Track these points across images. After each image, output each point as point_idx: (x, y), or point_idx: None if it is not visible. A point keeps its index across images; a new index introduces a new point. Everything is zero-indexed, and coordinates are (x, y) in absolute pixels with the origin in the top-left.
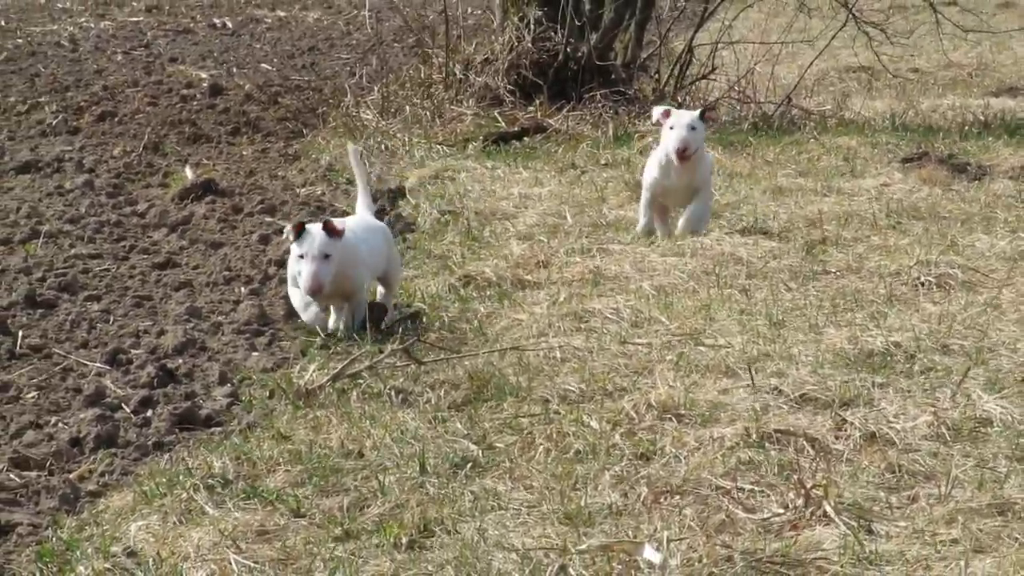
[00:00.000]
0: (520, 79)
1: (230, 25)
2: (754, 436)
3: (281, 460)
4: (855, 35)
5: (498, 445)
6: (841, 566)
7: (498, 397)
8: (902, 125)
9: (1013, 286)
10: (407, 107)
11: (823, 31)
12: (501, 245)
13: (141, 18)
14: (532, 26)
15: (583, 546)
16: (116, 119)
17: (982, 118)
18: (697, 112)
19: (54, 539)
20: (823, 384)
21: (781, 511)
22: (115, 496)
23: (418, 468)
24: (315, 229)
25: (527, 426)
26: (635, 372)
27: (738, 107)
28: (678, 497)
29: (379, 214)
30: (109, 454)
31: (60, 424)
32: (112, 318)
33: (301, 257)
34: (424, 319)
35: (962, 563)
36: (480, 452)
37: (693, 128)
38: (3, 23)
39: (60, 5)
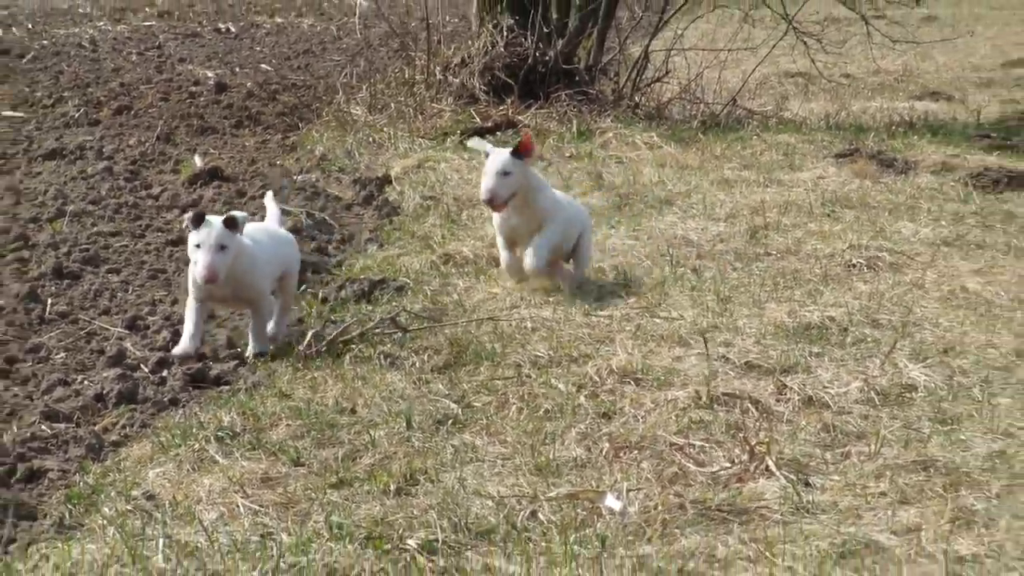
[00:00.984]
0: (493, 80)
1: (233, 29)
2: (704, 399)
3: (282, 415)
4: (794, 44)
5: (476, 404)
6: (781, 515)
7: (476, 361)
8: (835, 124)
9: (935, 268)
10: (392, 104)
11: (765, 40)
12: (477, 228)
13: (154, 23)
14: (504, 32)
15: (552, 494)
16: (132, 113)
17: (907, 119)
18: (508, 151)
19: (81, 483)
20: (765, 353)
21: (728, 465)
22: (135, 446)
23: (404, 424)
24: (214, 220)
25: (501, 387)
26: (598, 341)
27: (688, 107)
28: (636, 452)
29: (367, 200)
30: (129, 409)
31: (86, 382)
32: (131, 288)
33: (197, 247)
34: (409, 292)
35: (889, 512)
36: (460, 410)
37: (505, 173)
38: (30, 26)
39: (81, 10)
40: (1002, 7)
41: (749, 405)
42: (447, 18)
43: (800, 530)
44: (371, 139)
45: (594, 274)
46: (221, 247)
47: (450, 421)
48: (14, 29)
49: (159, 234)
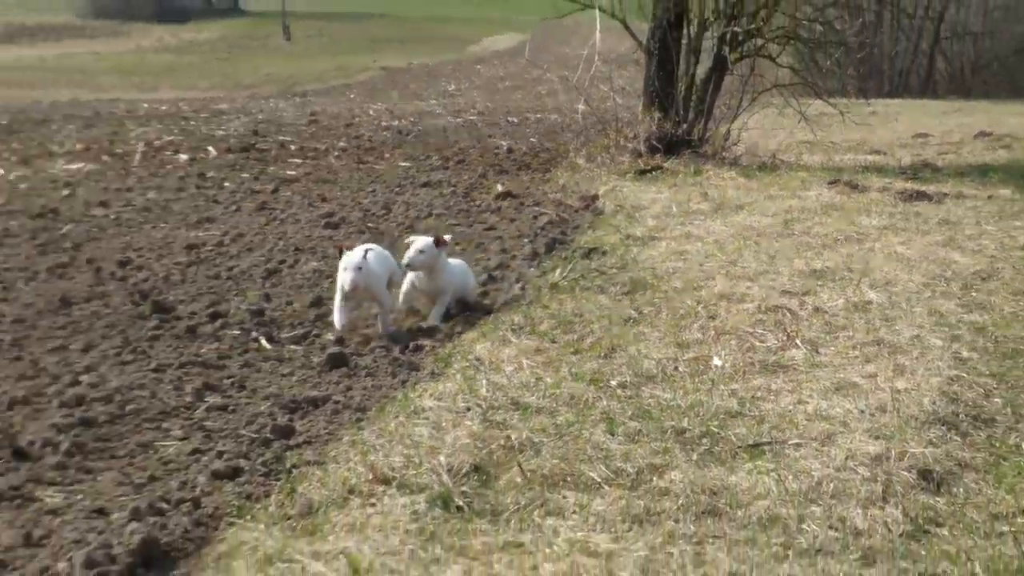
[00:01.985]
0: (649, 146)
1: (515, 120)
2: (763, 308)
3: (544, 317)
4: (805, 126)
5: (644, 311)
6: (803, 369)
7: (643, 289)
8: (827, 167)
9: (880, 241)
10: (598, 157)
11: (790, 124)
12: (643, 220)
13: (474, 117)
14: (656, 120)
15: (685, 356)
16: (464, 162)
17: (864, 164)
18: (431, 239)
19: (441, 351)
20: (795, 284)
21: (775, 343)
22: (468, 334)
23: (608, 321)
24: (352, 252)
25: (658, 302)
26: (708, 278)
27: (750, 159)
28: (727, 335)
29: (586, 207)
30: (466, 315)
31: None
32: (465, 251)
33: (344, 269)
34: (607, 254)
35: (859, 366)
36: (636, 314)
37: (422, 251)
38: (412, 119)
39: (438, 111)
40: (912, 107)
41: (786, 312)
42: (626, 115)
43: (814, 376)
44: (587, 176)
45: (701, 244)
46: (357, 268)
47: (631, 320)
48: (401, 120)
49: (481, 225)
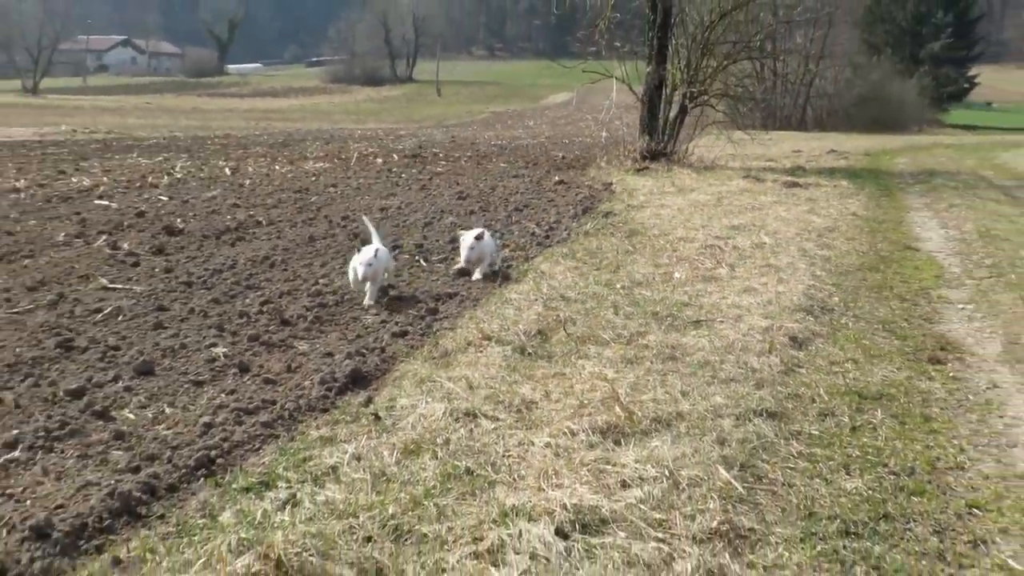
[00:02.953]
0: (642, 155)
1: (567, 142)
2: (704, 246)
3: (579, 250)
4: (730, 145)
5: (637, 247)
6: (727, 279)
7: (642, 234)
8: (742, 168)
9: (772, 210)
10: (613, 162)
11: (723, 144)
12: (636, 196)
13: (543, 140)
14: (647, 140)
15: (659, 272)
16: (537, 164)
17: (764, 167)
18: (480, 230)
19: (523, 268)
20: (722, 233)
21: (712, 265)
22: (537, 258)
23: (615, 252)
24: (368, 247)
25: (644, 242)
26: (673, 228)
27: (699, 163)
28: (685, 262)
29: (604, 189)
30: (536, 246)
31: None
32: (536, 212)
33: (361, 260)
34: (615, 215)
35: (762, 280)
36: (631, 248)
37: (472, 247)
38: (507, 141)
39: (522, 136)
40: (792, 136)
41: (717, 248)
42: (629, 138)
43: (732, 284)
44: (606, 172)
45: (670, 211)
46: (369, 264)
47: (628, 251)
48: (502, 141)
49: (544, 199)
